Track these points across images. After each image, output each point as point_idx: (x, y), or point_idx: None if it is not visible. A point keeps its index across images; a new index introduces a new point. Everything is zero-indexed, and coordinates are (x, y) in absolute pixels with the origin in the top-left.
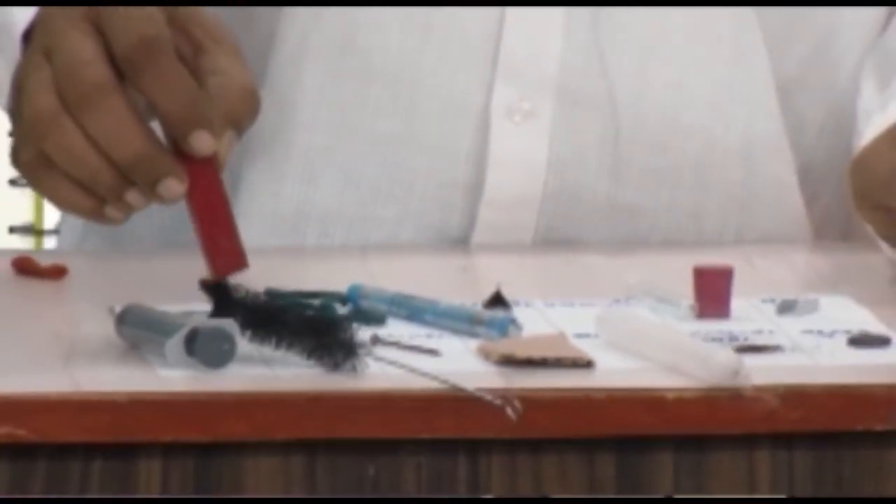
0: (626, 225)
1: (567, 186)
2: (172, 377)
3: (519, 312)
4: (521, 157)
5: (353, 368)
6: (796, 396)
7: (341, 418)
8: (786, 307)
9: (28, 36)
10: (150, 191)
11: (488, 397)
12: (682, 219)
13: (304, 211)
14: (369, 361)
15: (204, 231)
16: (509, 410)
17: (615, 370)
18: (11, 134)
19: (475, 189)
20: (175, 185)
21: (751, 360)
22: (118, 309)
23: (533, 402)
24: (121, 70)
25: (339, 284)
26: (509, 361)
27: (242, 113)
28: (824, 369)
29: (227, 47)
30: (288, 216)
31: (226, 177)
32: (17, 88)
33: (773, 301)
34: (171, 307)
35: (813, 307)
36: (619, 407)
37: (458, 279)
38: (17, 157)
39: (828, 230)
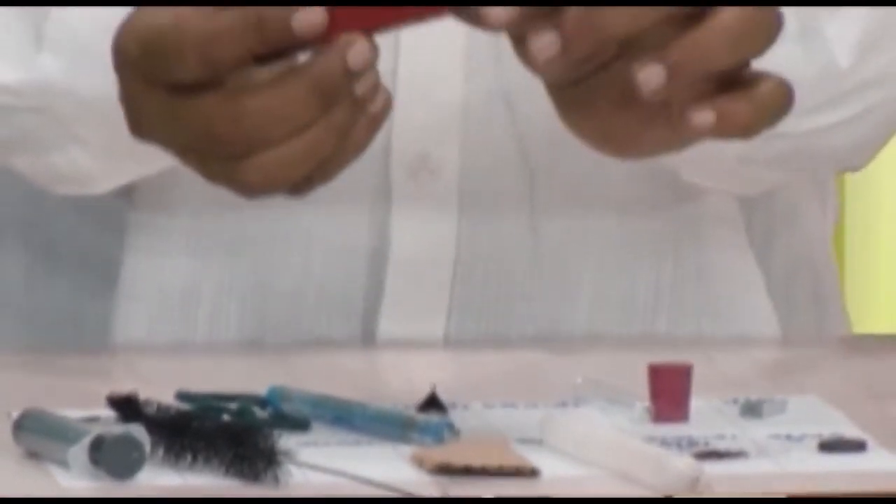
0: (551, 278)
1: (481, 240)
2: (76, 488)
3: (456, 416)
4: (428, 209)
5: (276, 479)
6: None
7: None
8: (750, 409)
9: None
10: (292, 39)
11: (426, 496)
12: (613, 270)
13: (194, 287)
14: (293, 470)
15: (389, 19)
16: None
17: (563, 478)
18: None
19: (379, 253)
20: (310, 10)
21: (712, 468)
22: (16, 414)
23: None
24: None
25: (258, 385)
26: (446, 470)
27: None
28: (793, 477)
29: None
30: (175, 294)
31: (105, 257)
32: None
33: (736, 402)
34: (75, 412)
35: (780, 408)
36: None
37: (389, 379)
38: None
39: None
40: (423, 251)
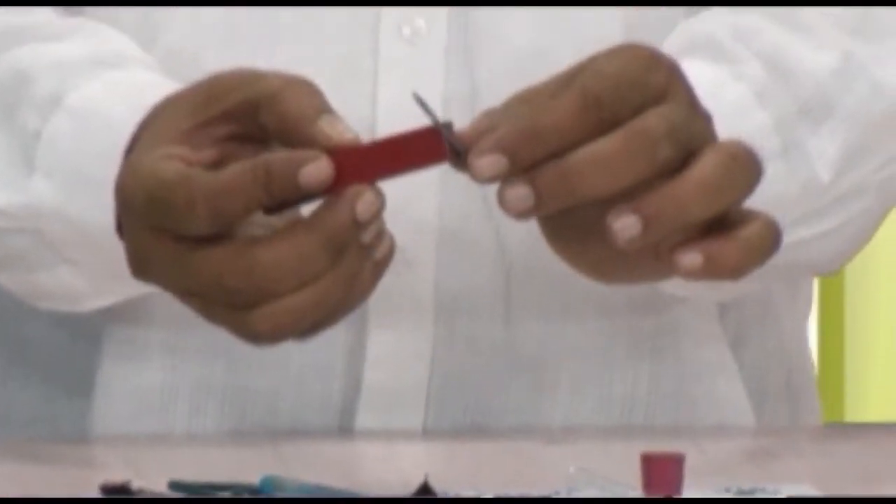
0: (528, 374)
1: (458, 337)
2: None
3: None
4: (405, 306)
5: None
6: None
7: None
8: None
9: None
10: (299, 192)
11: None
12: (591, 366)
13: (171, 386)
14: None
15: (392, 167)
16: None
17: None
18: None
19: (357, 349)
20: (316, 165)
21: None
22: None
23: None
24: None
25: (251, 475)
26: None
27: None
28: None
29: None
30: (152, 394)
31: (83, 357)
32: None
33: (728, 490)
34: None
35: (772, 496)
36: None
37: (381, 468)
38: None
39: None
40: (401, 347)
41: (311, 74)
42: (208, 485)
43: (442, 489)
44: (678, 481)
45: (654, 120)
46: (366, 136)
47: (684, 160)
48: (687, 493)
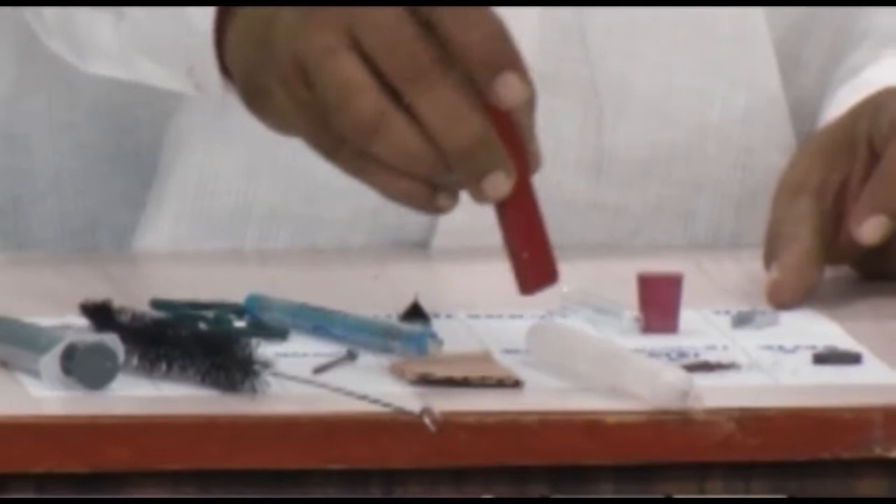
0: (608, 227)
1: (542, 184)
2: (47, 398)
3: (439, 325)
4: None
5: (253, 389)
6: (754, 420)
7: (238, 446)
8: (742, 320)
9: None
10: (475, 184)
11: (406, 409)
12: (672, 220)
13: (244, 210)
14: (270, 381)
15: (516, 243)
16: (428, 421)
17: (548, 391)
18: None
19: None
20: (502, 182)
21: (702, 380)
22: None
23: (454, 427)
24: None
25: (236, 294)
26: (427, 381)
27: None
28: (786, 390)
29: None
30: (225, 215)
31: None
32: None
33: (727, 313)
34: (47, 320)
35: (773, 320)
36: (553, 432)
37: (371, 289)
38: (334, 157)
39: None
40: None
41: None
42: (191, 303)
43: (432, 310)
44: (675, 303)
45: None
46: None
47: None
48: (684, 315)
